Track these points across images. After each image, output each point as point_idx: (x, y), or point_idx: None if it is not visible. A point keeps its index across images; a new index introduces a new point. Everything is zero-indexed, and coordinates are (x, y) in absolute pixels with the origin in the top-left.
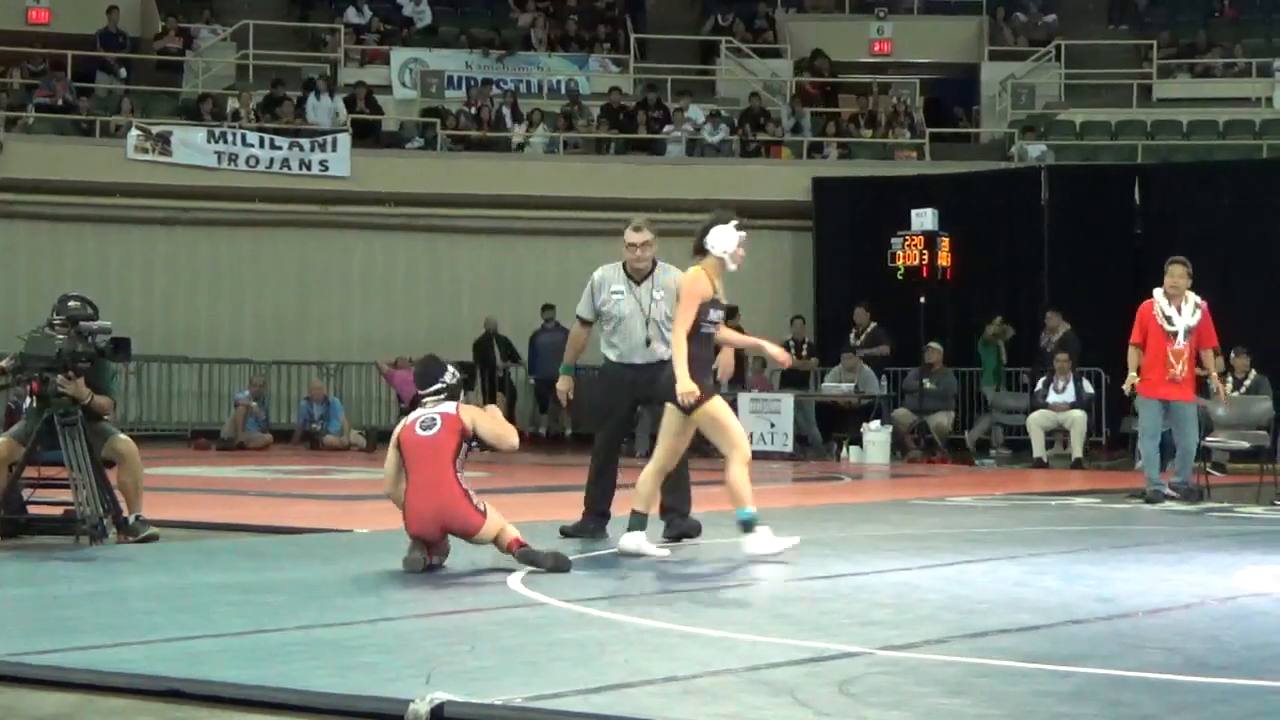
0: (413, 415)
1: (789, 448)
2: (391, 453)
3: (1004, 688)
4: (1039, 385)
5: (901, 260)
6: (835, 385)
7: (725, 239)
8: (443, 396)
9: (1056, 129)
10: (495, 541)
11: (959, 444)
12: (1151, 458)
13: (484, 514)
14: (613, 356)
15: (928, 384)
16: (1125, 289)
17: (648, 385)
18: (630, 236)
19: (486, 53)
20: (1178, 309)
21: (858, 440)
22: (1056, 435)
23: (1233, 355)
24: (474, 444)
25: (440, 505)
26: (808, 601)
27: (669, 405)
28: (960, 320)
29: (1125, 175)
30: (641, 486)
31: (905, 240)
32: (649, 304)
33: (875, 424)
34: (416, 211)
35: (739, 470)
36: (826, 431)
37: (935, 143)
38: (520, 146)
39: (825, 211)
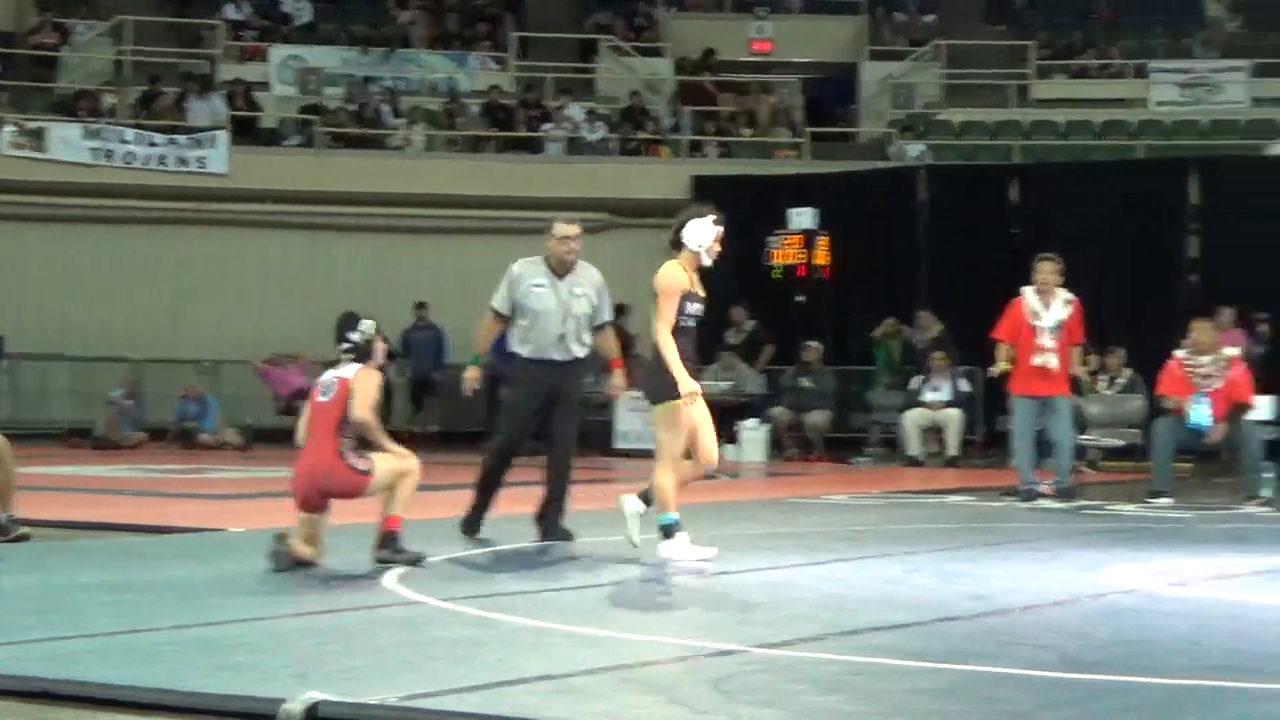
0: (325, 375)
1: None
2: (305, 409)
3: (878, 685)
4: (914, 384)
5: (778, 259)
6: (713, 383)
7: (701, 232)
8: (352, 356)
9: (935, 129)
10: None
11: (836, 442)
12: (1024, 456)
13: (368, 473)
14: (526, 353)
15: (805, 382)
16: (1002, 288)
17: (561, 383)
18: (562, 230)
19: (366, 50)
20: (1046, 305)
21: (734, 438)
22: (932, 433)
23: (1106, 354)
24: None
25: (315, 469)
26: (683, 600)
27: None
28: (838, 319)
29: (1003, 175)
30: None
31: (783, 239)
32: (569, 299)
33: (752, 422)
34: (295, 209)
35: (667, 477)
36: None
37: (815, 142)
38: (400, 145)
39: None
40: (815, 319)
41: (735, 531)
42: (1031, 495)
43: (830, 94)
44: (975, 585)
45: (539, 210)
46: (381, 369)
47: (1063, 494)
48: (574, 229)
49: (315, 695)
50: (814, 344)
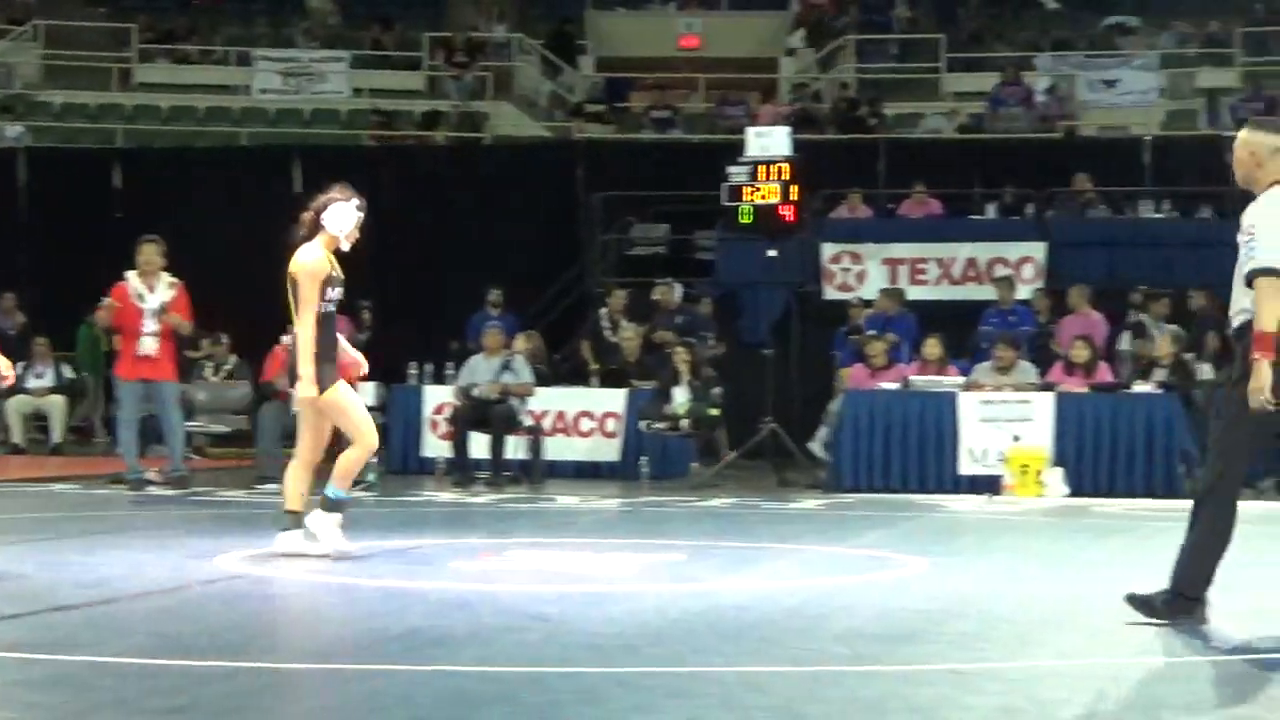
0: None
1: None
2: None
3: None
4: (19, 370)
5: None
6: None
7: (344, 217)
8: None
9: (35, 110)
10: None
11: None
12: (129, 442)
13: None
14: None
15: None
16: (103, 272)
17: None
18: None
19: None
20: (150, 288)
21: None
22: (35, 420)
23: (212, 341)
24: None
25: None
26: None
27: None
28: None
29: (105, 159)
30: (291, 484)
31: None
32: None
33: None
34: None
35: (356, 456)
36: None
37: None
38: None
39: None
40: None
41: None
42: (141, 483)
43: None
44: (85, 574)
45: None
46: None
47: (176, 481)
48: None
49: None
50: None
